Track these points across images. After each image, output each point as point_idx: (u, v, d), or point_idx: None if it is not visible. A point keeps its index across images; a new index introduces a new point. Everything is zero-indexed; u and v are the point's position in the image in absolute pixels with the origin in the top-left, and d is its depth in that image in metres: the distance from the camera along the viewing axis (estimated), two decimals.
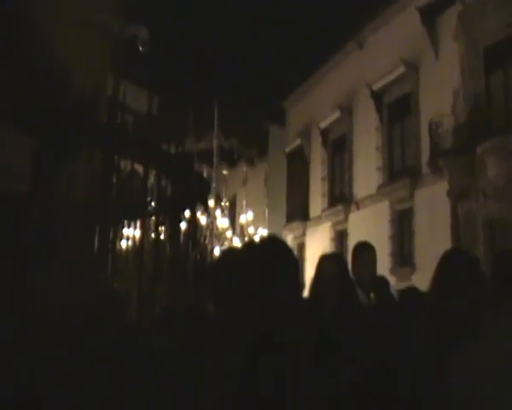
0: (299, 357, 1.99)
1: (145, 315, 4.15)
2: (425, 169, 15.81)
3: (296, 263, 2.13)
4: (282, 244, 2.15)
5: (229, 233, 10.86)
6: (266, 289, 1.97)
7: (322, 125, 21.47)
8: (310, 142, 22.87)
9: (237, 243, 10.65)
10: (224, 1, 20.24)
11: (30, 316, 3.12)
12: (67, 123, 3.77)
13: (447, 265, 2.66)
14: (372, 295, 3.92)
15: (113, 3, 6.38)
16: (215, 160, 10.62)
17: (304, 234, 22.64)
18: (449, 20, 15.28)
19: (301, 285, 2.97)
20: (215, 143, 10.71)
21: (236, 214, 19.02)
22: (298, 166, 23.46)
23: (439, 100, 15.31)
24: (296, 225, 22.94)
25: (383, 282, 5.38)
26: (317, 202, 21.99)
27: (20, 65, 3.82)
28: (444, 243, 13.40)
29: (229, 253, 2.93)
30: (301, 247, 22.35)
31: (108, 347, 2.94)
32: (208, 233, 10.53)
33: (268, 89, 22.37)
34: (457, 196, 13.86)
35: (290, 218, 23.60)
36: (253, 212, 13.27)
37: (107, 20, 5.72)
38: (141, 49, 7.59)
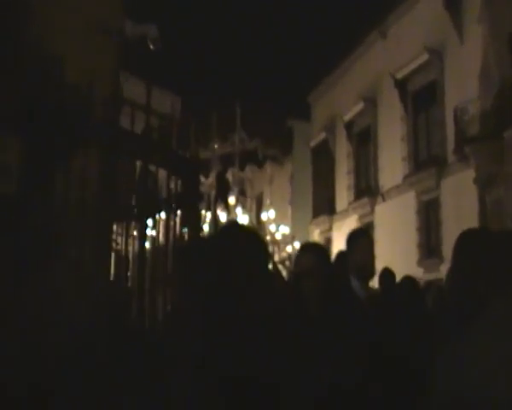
0: (271, 353, 1.77)
1: (148, 317, 4.00)
2: (451, 158, 15.43)
3: (261, 250, 1.89)
4: (242, 231, 1.93)
5: None
6: (225, 279, 1.73)
7: (347, 117, 21.19)
8: (334, 135, 22.61)
9: None
10: None
11: (32, 317, 3.05)
12: (62, 121, 3.70)
13: (464, 247, 2.43)
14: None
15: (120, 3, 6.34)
16: (237, 159, 10.60)
17: (330, 228, 22.39)
18: (473, 3, 14.85)
19: (276, 274, 2.79)
20: (237, 141, 10.68)
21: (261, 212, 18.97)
22: (323, 160, 23.23)
23: (465, 86, 14.90)
24: (322, 219, 22.71)
25: (388, 273, 5.20)
26: (343, 195, 21.74)
27: (14, 62, 3.77)
28: None
29: (194, 243, 2.77)
30: (328, 241, 22.09)
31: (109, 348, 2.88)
32: None
33: (292, 84, 22.28)
34: (485, 184, 13.46)
35: (316, 213, 23.38)
36: (279, 210, 13.19)
37: (112, 19, 5.67)
38: (152, 47, 7.59)
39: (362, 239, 3.53)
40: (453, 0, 15.60)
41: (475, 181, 13.75)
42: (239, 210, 10.87)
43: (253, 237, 1.87)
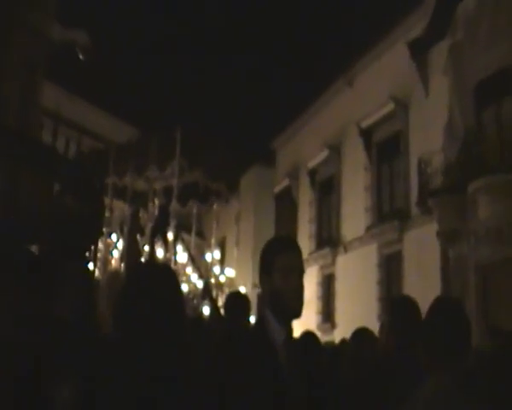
0: None
1: None
2: (414, 210, 14.91)
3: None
4: None
5: (188, 270, 9.92)
6: None
7: (311, 164, 20.69)
8: (298, 182, 22.06)
9: (196, 280, 9.73)
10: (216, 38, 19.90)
11: None
12: None
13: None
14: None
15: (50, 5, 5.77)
16: (175, 192, 9.75)
17: None
18: (439, 55, 14.64)
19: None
20: (176, 172, 9.83)
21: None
22: (286, 207, 22.58)
23: (429, 138, 14.54)
24: None
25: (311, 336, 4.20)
26: (304, 244, 20.98)
27: None
28: (433, 288, 12.37)
29: None
30: None
31: None
32: None
33: (254, 129, 21.89)
34: (447, 238, 12.88)
35: None
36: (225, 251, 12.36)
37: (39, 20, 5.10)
38: (81, 57, 6.81)
39: (282, 257, 2.08)
40: (419, 51, 15.36)
41: (438, 235, 13.17)
42: (179, 247, 10.01)
43: None
